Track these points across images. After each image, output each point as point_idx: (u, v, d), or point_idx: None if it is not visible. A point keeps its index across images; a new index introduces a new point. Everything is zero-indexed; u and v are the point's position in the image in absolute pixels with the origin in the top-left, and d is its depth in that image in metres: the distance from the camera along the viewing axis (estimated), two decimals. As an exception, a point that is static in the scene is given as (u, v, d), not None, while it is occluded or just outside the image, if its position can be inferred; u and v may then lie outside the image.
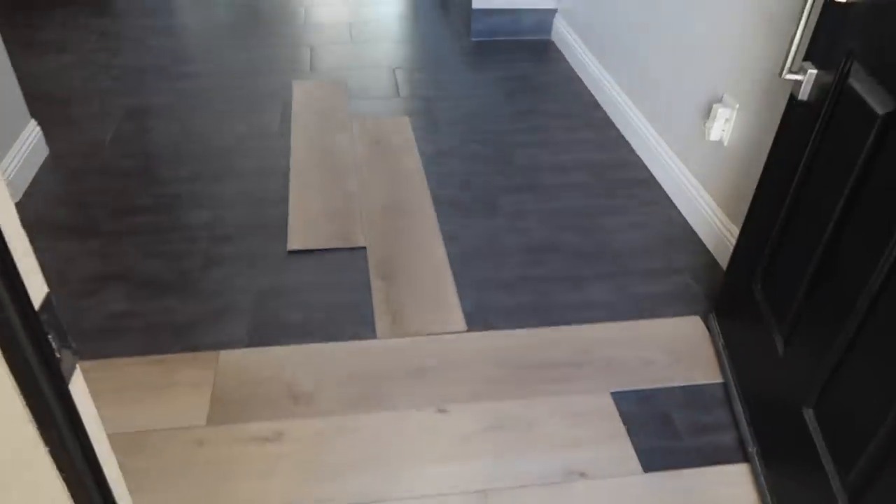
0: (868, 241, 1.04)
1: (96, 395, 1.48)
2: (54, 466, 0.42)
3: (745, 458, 1.37)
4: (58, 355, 0.41)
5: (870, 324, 1.03)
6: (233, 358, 1.55)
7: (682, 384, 1.53)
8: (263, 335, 1.61)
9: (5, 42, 2.04)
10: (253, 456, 1.35)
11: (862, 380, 1.05)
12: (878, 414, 0.98)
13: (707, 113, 1.95)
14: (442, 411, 1.45)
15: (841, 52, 1.13)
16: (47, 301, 0.41)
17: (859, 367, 1.06)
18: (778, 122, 1.36)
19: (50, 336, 0.41)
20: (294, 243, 1.89)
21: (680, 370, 1.56)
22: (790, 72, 1.23)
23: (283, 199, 2.08)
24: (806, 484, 1.17)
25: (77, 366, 0.42)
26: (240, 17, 3.43)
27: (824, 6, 1.19)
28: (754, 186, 1.47)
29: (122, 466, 1.32)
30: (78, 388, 0.42)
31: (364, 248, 1.90)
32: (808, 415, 1.18)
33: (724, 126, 1.86)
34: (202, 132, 2.41)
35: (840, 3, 1.13)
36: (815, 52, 1.23)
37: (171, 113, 2.53)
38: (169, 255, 1.84)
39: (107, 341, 1.58)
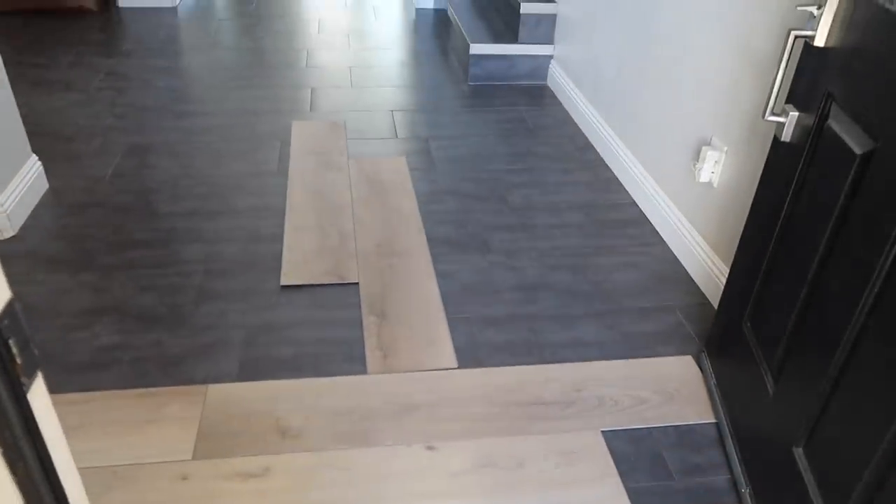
0: (850, 278, 1.05)
1: (83, 428, 1.47)
2: (7, 470, 0.42)
3: (738, 500, 1.35)
4: (18, 360, 0.41)
5: (855, 360, 1.04)
6: (221, 392, 1.54)
7: (675, 423, 1.52)
8: (254, 370, 1.61)
9: (13, 80, 2.09)
10: (238, 491, 1.33)
11: (849, 417, 1.05)
12: (867, 451, 0.98)
13: (696, 155, 1.98)
14: (431, 448, 1.43)
15: (820, 94, 1.16)
16: (9, 307, 0.41)
17: (846, 405, 1.05)
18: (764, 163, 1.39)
19: (10, 342, 0.41)
20: (287, 279, 1.90)
21: (672, 409, 1.55)
22: (773, 114, 1.26)
23: (279, 237, 2.09)
24: (797, 525, 1.15)
25: (39, 374, 0.42)
26: (243, 59, 3.51)
27: (804, 50, 1.23)
28: (743, 226, 1.49)
29: (105, 501, 1.31)
30: (38, 396, 0.42)
31: (357, 284, 1.90)
32: (799, 454, 1.17)
33: (713, 168, 1.89)
34: (201, 170, 2.45)
35: (819, 47, 1.16)
36: (796, 94, 1.26)
37: (171, 151, 2.57)
38: (162, 289, 1.85)
39: (96, 374, 1.58)
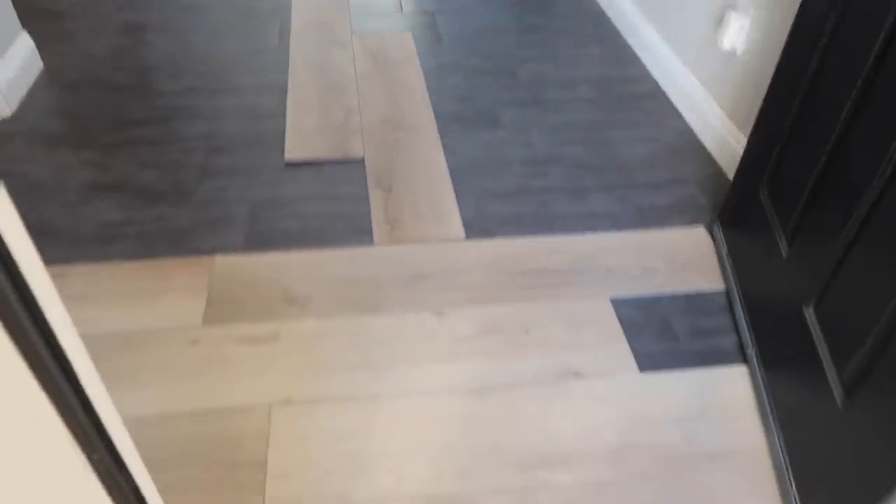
0: (875, 138, 1.01)
1: (91, 297, 1.48)
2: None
3: (744, 360, 1.36)
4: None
5: (873, 220, 1.01)
6: (228, 262, 1.54)
7: (684, 292, 1.51)
8: (260, 242, 1.60)
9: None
10: (248, 355, 1.35)
11: (862, 277, 1.02)
12: (876, 309, 0.96)
13: (720, 20, 1.87)
14: (439, 315, 1.44)
15: (860, -75, 1.06)
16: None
17: (860, 265, 1.03)
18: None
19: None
20: (291, 155, 1.86)
21: (682, 278, 1.54)
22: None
23: (281, 113, 2.03)
24: (803, 381, 1.15)
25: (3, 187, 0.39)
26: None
27: None
28: (765, 93, 1.41)
29: (115, 363, 1.33)
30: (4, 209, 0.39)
31: (362, 159, 1.86)
32: (809, 313, 1.16)
33: (737, 33, 1.78)
34: (199, 47, 2.35)
35: None
36: (833, -70, 1.15)
37: (167, 27, 2.46)
38: (164, 167, 1.82)
39: (102, 247, 1.57)
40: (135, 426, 1.12)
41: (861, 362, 0.99)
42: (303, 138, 1.92)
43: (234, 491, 1.14)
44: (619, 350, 1.37)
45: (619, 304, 1.47)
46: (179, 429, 1.22)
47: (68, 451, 0.48)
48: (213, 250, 1.57)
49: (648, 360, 1.35)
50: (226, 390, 1.28)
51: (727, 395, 1.30)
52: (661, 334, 1.41)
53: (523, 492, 1.15)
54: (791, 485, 1.13)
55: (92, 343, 1.36)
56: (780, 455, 1.18)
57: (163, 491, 0.67)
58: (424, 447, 1.21)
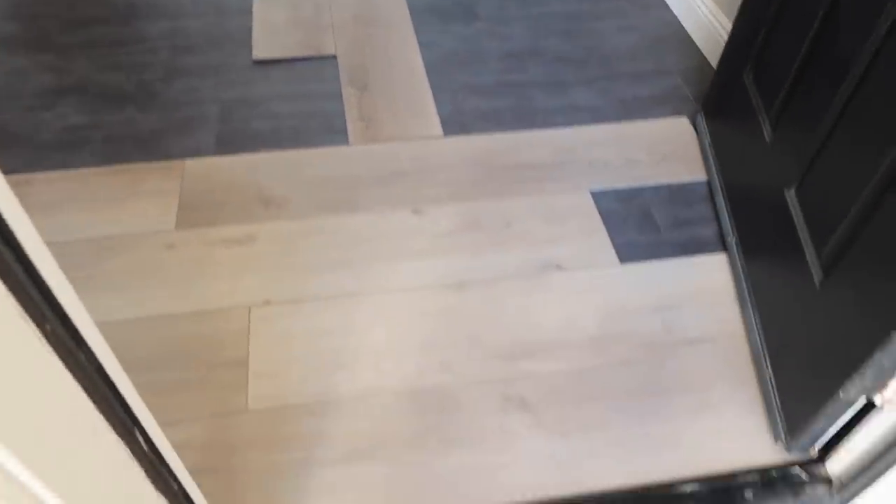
0: (860, 17, 0.97)
1: (61, 204, 1.44)
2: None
3: (724, 248, 1.36)
4: None
5: (858, 98, 0.98)
6: (200, 165, 1.49)
7: (665, 183, 1.49)
8: (231, 144, 1.55)
9: None
10: (224, 257, 1.33)
11: (844, 156, 1.01)
12: (857, 187, 0.95)
13: None
14: (417, 212, 1.41)
15: None
16: None
17: (843, 144, 1.01)
18: None
19: None
20: (260, 52, 1.78)
21: (663, 169, 1.51)
22: None
23: (247, 10, 1.92)
24: (782, 265, 1.15)
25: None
26: None
27: None
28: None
29: (89, 270, 1.31)
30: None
31: (334, 56, 1.78)
32: (790, 196, 1.15)
33: None
34: (156, -60, 2.20)
35: None
36: None
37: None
38: (128, 67, 1.73)
39: (67, 153, 1.51)
40: (112, 330, 1.11)
41: (839, 241, 0.98)
42: (271, 35, 1.83)
43: (216, 390, 1.15)
44: (600, 242, 1.37)
45: (600, 197, 1.45)
46: (158, 332, 1.21)
47: (45, 354, 0.46)
48: (183, 153, 1.52)
49: (629, 252, 1.35)
50: (204, 293, 1.27)
51: (707, 282, 1.31)
52: (642, 225, 1.40)
53: (506, 382, 1.16)
54: (767, 366, 1.15)
55: (64, 250, 1.34)
56: (757, 338, 1.19)
57: (144, 392, 0.66)
58: (406, 342, 1.21)
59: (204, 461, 1.06)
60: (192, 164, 1.49)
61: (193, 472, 0.75)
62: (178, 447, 0.69)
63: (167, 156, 1.51)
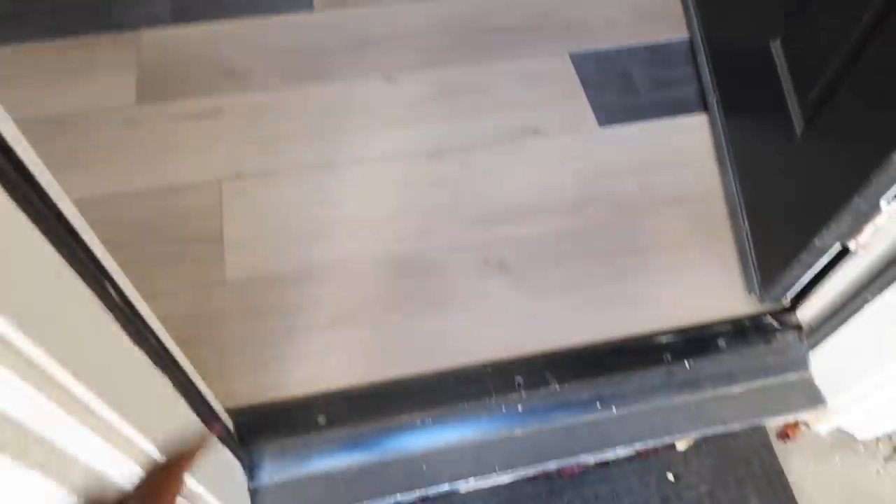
0: None
1: (9, 80, 1.36)
2: None
3: (705, 108, 1.33)
4: None
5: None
6: (157, 37, 1.40)
7: (646, 43, 1.44)
8: (188, 11, 1.45)
9: None
10: (190, 131, 1.27)
11: (830, 3, 0.96)
12: (842, 34, 0.91)
13: None
14: (389, 80, 1.36)
15: None
16: None
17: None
18: None
19: None
20: (212, -88, 1.63)
21: (644, 29, 1.46)
22: None
23: None
24: (764, 118, 1.13)
25: None
26: None
27: None
28: None
29: (47, 148, 1.25)
30: None
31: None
32: (775, 47, 1.11)
33: None
34: None
35: None
36: None
37: None
38: (68, -68, 1.59)
39: (11, 27, 1.41)
40: (77, 209, 1.07)
41: (823, 87, 0.96)
42: None
43: (192, 264, 1.13)
44: (578, 106, 1.33)
45: (579, 59, 1.40)
46: (127, 210, 1.18)
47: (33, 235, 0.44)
48: (137, 23, 1.42)
49: (608, 115, 1.32)
50: (172, 169, 1.23)
51: (686, 143, 1.29)
52: (622, 88, 1.36)
53: (485, 247, 1.16)
54: (743, 222, 1.16)
55: (18, 128, 1.27)
56: (735, 195, 1.19)
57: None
58: (383, 211, 1.19)
59: (188, 333, 1.05)
60: (149, 35, 1.40)
61: (178, 343, 0.75)
62: (159, 320, 0.68)
63: (120, 26, 1.42)
